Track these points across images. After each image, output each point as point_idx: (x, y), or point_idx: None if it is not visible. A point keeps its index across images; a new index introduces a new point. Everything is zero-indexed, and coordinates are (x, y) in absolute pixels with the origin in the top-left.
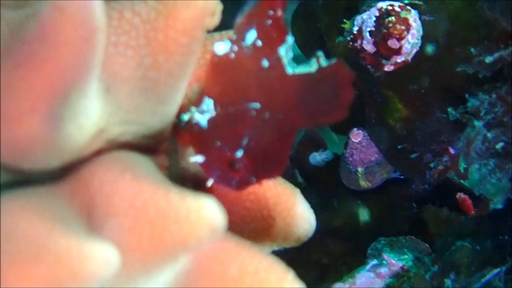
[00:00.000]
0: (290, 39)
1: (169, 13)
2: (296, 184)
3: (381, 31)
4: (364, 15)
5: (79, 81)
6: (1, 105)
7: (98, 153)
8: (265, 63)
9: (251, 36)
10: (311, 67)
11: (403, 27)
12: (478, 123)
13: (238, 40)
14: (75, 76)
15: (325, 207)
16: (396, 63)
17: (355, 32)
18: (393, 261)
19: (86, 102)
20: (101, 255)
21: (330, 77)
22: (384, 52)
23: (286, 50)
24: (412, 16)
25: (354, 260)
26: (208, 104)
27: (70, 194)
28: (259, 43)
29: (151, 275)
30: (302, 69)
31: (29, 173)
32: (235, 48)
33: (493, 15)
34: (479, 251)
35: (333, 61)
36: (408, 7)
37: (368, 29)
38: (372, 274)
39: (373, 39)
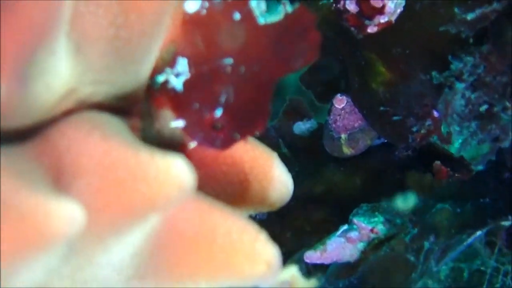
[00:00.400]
0: None
1: None
2: (280, 153)
3: None
4: None
5: (46, 38)
6: None
7: (68, 113)
8: (237, 15)
9: None
10: (280, 14)
11: None
12: (459, 85)
13: None
14: (42, 32)
15: (307, 175)
16: (379, 24)
17: None
18: (363, 225)
19: (54, 60)
20: (66, 213)
21: (296, 22)
22: (367, 11)
23: (257, 2)
24: None
25: (337, 227)
26: (182, 64)
27: (38, 153)
28: None
29: (120, 235)
30: (272, 18)
31: None
32: (206, 4)
33: None
34: (459, 213)
35: (296, 5)
36: None
37: None
38: (342, 239)
39: None
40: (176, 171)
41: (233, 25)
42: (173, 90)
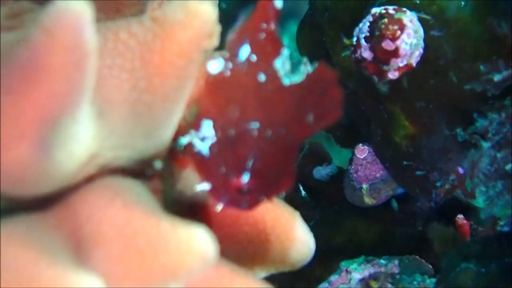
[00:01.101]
0: (285, 51)
1: (166, 35)
2: (299, 198)
3: (375, 34)
4: (361, 24)
5: (69, 107)
6: None
7: (90, 179)
8: (262, 77)
9: (245, 51)
10: (302, 75)
11: (395, 27)
12: (485, 144)
13: (232, 57)
14: (65, 102)
15: (328, 224)
16: (399, 68)
17: (354, 43)
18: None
19: (77, 128)
20: (85, 287)
21: (317, 81)
22: (382, 56)
23: (282, 63)
24: (408, 17)
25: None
26: (208, 127)
27: (59, 221)
28: (254, 58)
29: None
30: (296, 78)
31: (18, 200)
32: (230, 65)
33: (503, 31)
34: (484, 274)
35: (316, 64)
36: (404, 9)
37: (363, 35)
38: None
39: (369, 45)
40: (198, 243)
41: (258, 87)
42: (199, 153)
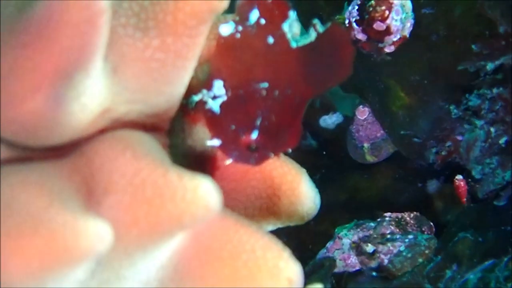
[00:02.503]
0: (292, 14)
1: None
2: (307, 145)
3: (364, 17)
4: (350, 7)
5: (83, 62)
6: (7, 84)
7: (103, 131)
8: (270, 39)
9: (254, 15)
10: (311, 37)
11: (383, 7)
12: (478, 122)
13: (242, 20)
14: (79, 57)
15: (332, 181)
16: (394, 42)
17: (346, 25)
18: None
19: (90, 82)
20: (94, 232)
21: (329, 41)
22: (375, 36)
23: (289, 26)
24: None
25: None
26: (219, 87)
27: (71, 170)
28: (263, 21)
29: (147, 251)
30: (304, 41)
31: (32, 149)
32: (240, 28)
33: (494, 15)
34: (481, 243)
35: (328, 24)
36: None
37: (354, 19)
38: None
39: (360, 28)
40: (203, 192)
41: (266, 49)
42: (210, 111)
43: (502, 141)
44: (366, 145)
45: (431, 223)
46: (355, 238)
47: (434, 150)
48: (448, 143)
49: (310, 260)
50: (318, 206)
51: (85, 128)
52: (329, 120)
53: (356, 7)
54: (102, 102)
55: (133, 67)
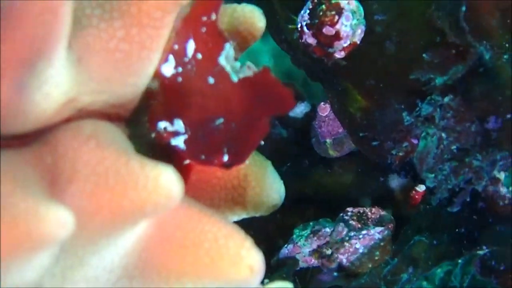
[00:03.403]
0: (227, 46)
1: None
2: (277, 134)
3: (315, 21)
4: (302, 10)
5: (45, 51)
6: None
7: (68, 120)
8: (211, 80)
9: (191, 47)
10: (249, 72)
11: (333, 12)
12: (431, 130)
13: (181, 55)
14: (41, 46)
15: (298, 174)
16: (344, 48)
17: (299, 28)
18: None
19: (53, 71)
20: (56, 218)
21: (263, 81)
22: (325, 40)
23: (226, 57)
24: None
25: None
26: (179, 125)
27: (35, 158)
28: (199, 56)
29: (111, 238)
30: (243, 73)
31: None
32: (180, 69)
33: (443, 26)
34: (436, 245)
35: (261, 68)
36: None
37: (305, 22)
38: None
39: (311, 32)
40: (164, 181)
41: (211, 89)
42: (177, 148)
43: (453, 147)
44: (328, 140)
45: (392, 217)
46: (314, 246)
47: (392, 151)
48: (405, 144)
49: (278, 253)
50: (283, 197)
51: (49, 117)
52: (297, 110)
53: (308, 11)
54: (66, 91)
55: (98, 58)
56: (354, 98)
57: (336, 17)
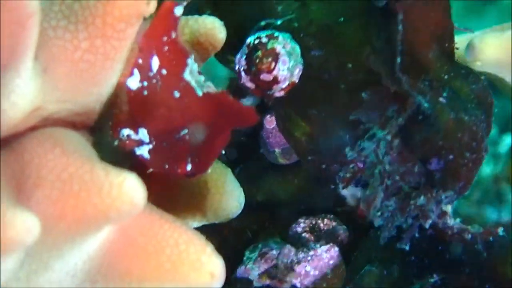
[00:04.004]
0: (190, 61)
1: (107, 0)
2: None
3: (251, 68)
4: (239, 54)
5: (13, 61)
6: None
7: (33, 128)
8: (176, 94)
9: (155, 63)
10: (213, 87)
11: (269, 59)
12: (376, 169)
13: (146, 69)
14: (9, 57)
15: (248, 181)
16: (283, 89)
17: (237, 71)
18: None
19: (20, 81)
20: (22, 224)
21: (224, 100)
22: (263, 85)
23: (190, 72)
24: (280, 43)
25: (278, 227)
26: (144, 134)
27: (1, 165)
28: (164, 71)
29: (75, 244)
30: (208, 88)
31: None
32: (146, 83)
33: (379, 71)
34: (386, 276)
35: (220, 89)
36: (276, 34)
37: (242, 68)
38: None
39: (249, 77)
40: (128, 187)
41: (177, 102)
42: (141, 157)
43: (398, 185)
44: (277, 150)
45: (345, 226)
46: (261, 270)
47: (340, 173)
48: (352, 165)
49: (233, 259)
50: (242, 204)
51: (16, 125)
52: (246, 103)
53: (244, 57)
54: (32, 100)
55: (63, 68)
56: (298, 124)
57: (273, 64)
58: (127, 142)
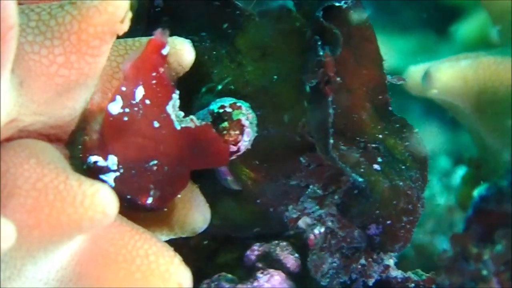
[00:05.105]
0: (175, 96)
1: (82, 18)
2: None
3: None
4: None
5: None
6: None
7: (9, 139)
8: (156, 124)
9: (139, 93)
10: (191, 123)
11: (237, 132)
12: (317, 229)
13: (128, 97)
14: None
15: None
16: (238, 155)
17: None
18: None
19: None
20: None
21: (204, 135)
22: None
23: (173, 106)
24: (244, 114)
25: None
26: (113, 161)
27: None
28: (148, 101)
29: (48, 252)
30: (186, 123)
31: None
32: (127, 110)
33: (315, 143)
34: None
35: (203, 123)
36: (238, 103)
37: None
38: None
39: None
40: (100, 198)
41: (154, 132)
42: (106, 182)
43: (341, 245)
44: (229, 178)
45: (297, 255)
46: None
47: (286, 214)
48: (298, 206)
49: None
50: (208, 220)
51: None
52: None
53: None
54: (9, 112)
55: (39, 82)
56: (242, 170)
57: (240, 137)
58: (93, 168)
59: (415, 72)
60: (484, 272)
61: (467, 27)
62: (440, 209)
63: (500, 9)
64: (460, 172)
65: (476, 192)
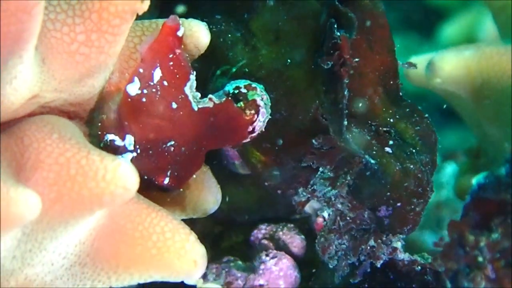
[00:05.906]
0: (192, 77)
1: None
2: None
3: None
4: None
5: (18, 48)
6: None
7: (31, 114)
8: (174, 105)
9: (157, 74)
10: (209, 103)
11: (252, 111)
12: (327, 211)
13: (146, 79)
14: (14, 43)
15: None
16: (252, 137)
17: None
18: None
19: (23, 68)
20: (24, 200)
21: (225, 111)
22: None
23: (190, 87)
24: (259, 94)
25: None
26: (130, 142)
27: (2, 148)
28: (165, 83)
29: (69, 225)
30: (204, 104)
31: None
32: (145, 91)
33: (328, 126)
34: None
35: (223, 99)
36: (253, 85)
37: None
38: None
39: None
40: (122, 173)
41: (171, 112)
42: None
43: (351, 227)
44: (237, 162)
45: (303, 236)
46: None
47: (295, 197)
48: (306, 190)
49: None
50: (219, 201)
51: (16, 110)
52: None
53: None
54: (31, 88)
55: (60, 59)
56: (253, 153)
57: (255, 116)
58: (110, 147)
59: (416, 63)
60: (480, 259)
61: (452, 28)
62: (428, 205)
63: (500, 2)
64: (449, 168)
65: (474, 181)
